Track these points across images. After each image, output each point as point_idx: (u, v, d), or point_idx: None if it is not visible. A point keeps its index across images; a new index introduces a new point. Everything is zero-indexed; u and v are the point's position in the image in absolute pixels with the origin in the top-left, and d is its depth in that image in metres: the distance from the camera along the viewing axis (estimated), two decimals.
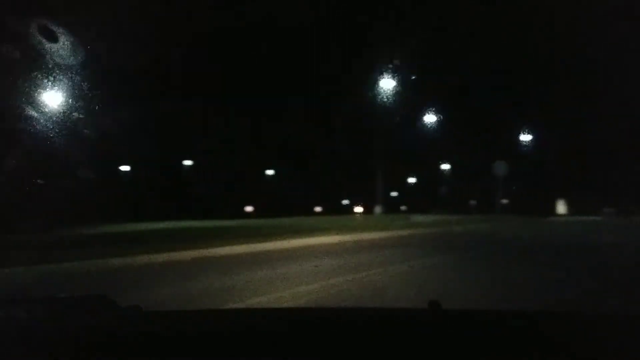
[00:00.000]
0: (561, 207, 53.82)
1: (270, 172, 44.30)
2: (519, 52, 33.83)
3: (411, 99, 26.38)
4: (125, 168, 33.47)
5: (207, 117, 30.82)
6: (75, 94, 12.54)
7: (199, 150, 35.20)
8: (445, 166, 44.42)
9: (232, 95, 31.63)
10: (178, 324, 1.77)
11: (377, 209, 25.25)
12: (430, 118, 23.46)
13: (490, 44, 31.77)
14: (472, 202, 48.68)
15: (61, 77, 11.61)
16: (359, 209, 42.20)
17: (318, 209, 44.76)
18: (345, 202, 49.93)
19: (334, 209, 39.19)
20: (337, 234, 15.93)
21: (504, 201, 52.50)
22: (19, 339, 1.47)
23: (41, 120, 11.82)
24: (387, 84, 18.93)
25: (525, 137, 33.71)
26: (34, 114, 11.56)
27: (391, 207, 46.20)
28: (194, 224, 20.01)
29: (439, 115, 25.63)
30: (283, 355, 1.37)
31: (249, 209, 40.51)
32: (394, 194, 57.60)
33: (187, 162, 37.84)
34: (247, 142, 36.09)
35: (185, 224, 19.88)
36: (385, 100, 19.74)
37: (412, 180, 52.91)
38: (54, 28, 9.62)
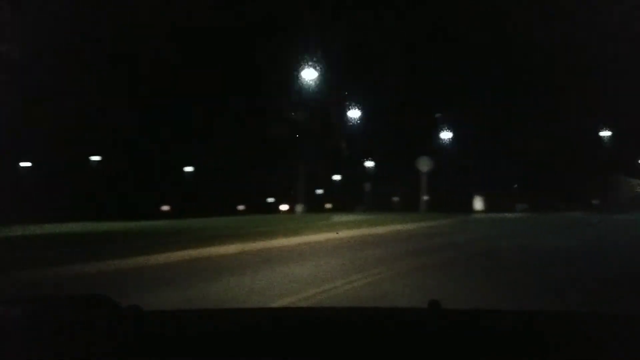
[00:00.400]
0: (478, 204, 55.56)
1: (189, 168, 42.12)
2: (447, 50, 34.25)
3: (336, 95, 25.76)
4: (25, 164, 30.60)
5: (119, 109, 28.45)
6: None
7: (109, 144, 32.56)
8: (370, 163, 44.52)
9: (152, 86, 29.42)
10: (178, 323, 1.78)
11: (299, 208, 24.16)
12: (354, 114, 22.89)
13: (417, 40, 31.81)
14: (395, 199, 49.00)
15: None
16: (284, 207, 41.13)
17: (241, 207, 43.26)
18: (270, 200, 48.75)
19: (259, 208, 37.79)
20: (239, 241, 12.60)
21: (426, 198, 54.01)
22: (18, 338, 1.47)
23: None
24: (309, 74, 17.65)
25: (446, 135, 34.06)
26: None
27: (316, 205, 45.79)
28: (97, 227, 18.08)
29: (363, 110, 25.21)
30: (283, 355, 1.38)
31: (165, 208, 38.28)
32: (319, 191, 57.44)
33: (95, 158, 34.92)
34: (165, 136, 33.91)
35: (87, 226, 17.87)
36: (309, 94, 18.68)
37: (337, 177, 52.59)
38: None
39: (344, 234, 15.15)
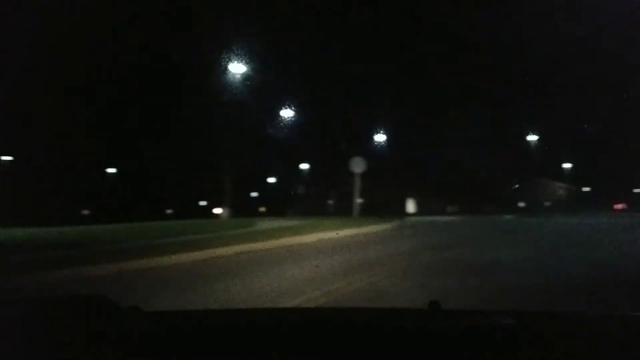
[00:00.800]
0: (411, 206, 56.14)
1: (112, 170, 39.50)
2: (386, 52, 34.00)
3: (266, 94, 24.73)
4: None
5: (34, 107, 26.00)
6: None
7: (24, 144, 29.76)
8: (305, 165, 43.70)
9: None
10: (178, 324, 1.76)
11: (224, 213, 22.68)
12: (287, 113, 21.93)
13: (358, 41, 31.32)
14: (330, 202, 48.41)
15: None
16: (217, 211, 39.50)
17: (169, 211, 41.19)
18: (203, 203, 46.75)
19: (191, 211, 35.90)
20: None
21: (359, 200, 53.90)
22: (18, 339, 1.46)
23: None
24: (237, 68, 16.34)
25: (380, 138, 33.82)
26: None
27: (250, 208, 44.33)
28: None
29: (296, 111, 24.29)
30: (283, 356, 1.38)
31: (85, 212, 35.70)
32: (254, 194, 55.89)
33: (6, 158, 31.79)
34: (86, 136, 31.48)
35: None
36: (235, 93, 17.43)
37: (272, 180, 51.27)
38: None
39: (262, 244, 11.96)
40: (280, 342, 1.47)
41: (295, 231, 14.16)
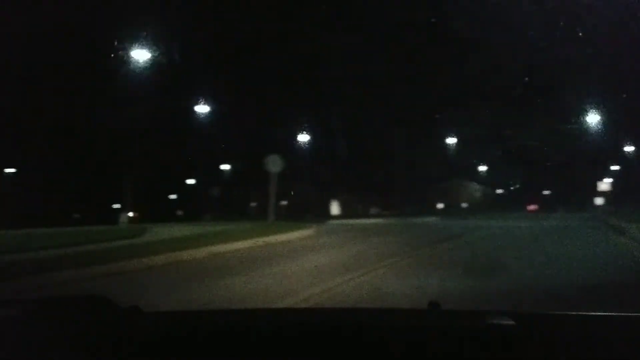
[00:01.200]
0: (335, 208, 55.70)
1: (10, 170, 35.53)
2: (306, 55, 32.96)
3: (182, 88, 22.85)
4: None
5: None
6: None
7: None
8: (226, 166, 41.81)
9: None
10: (177, 324, 1.77)
11: (123, 218, 20.39)
12: (203, 109, 20.07)
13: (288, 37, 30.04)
14: (253, 205, 46.68)
15: None
16: (129, 215, 36.57)
17: (77, 215, 37.77)
18: (117, 206, 43.37)
19: (104, 215, 32.73)
20: None
21: (284, 203, 52.61)
22: (18, 339, 1.46)
23: None
24: (140, 55, 14.25)
25: (303, 138, 32.69)
26: None
27: (168, 211, 41.61)
28: None
29: (215, 107, 22.58)
30: (283, 356, 1.38)
31: None
32: (172, 196, 52.91)
33: None
34: None
35: None
36: (141, 82, 15.39)
37: (192, 181, 48.66)
38: None
39: (135, 263, 8.60)
40: (280, 342, 1.47)
41: (187, 243, 10.75)
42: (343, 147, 41.72)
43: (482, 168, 57.88)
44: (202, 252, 10.12)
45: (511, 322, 1.51)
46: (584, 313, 1.81)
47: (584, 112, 23.12)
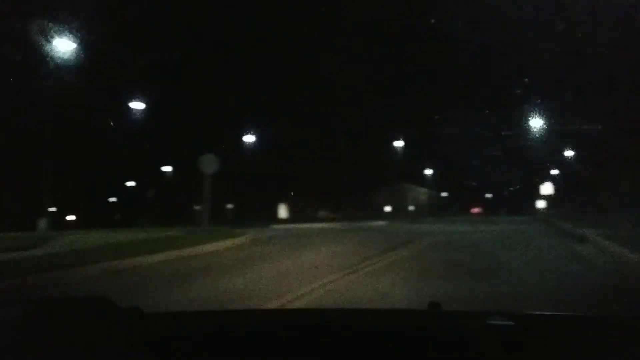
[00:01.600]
0: (283, 212, 54.57)
1: None
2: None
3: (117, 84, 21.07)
4: None
5: None
6: None
7: None
8: (167, 168, 39.87)
9: None
10: (178, 325, 1.77)
11: (41, 223, 18.40)
12: (137, 105, 18.42)
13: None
14: (197, 208, 44.78)
15: None
16: (70, 218, 34.02)
17: None
18: (52, 209, 40.34)
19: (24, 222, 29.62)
20: None
21: (229, 206, 50.95)
22: (18, 340, 1.45)
23: None
24: (64, 45, 12.52)
25: (249, 138, 31.45)
26: None
27: (106, 215, 38.98)
28: None
29: (154, 105, 21.04)
30: (283, 356, 1.39)
31: None
32: (113, 199, 50.07)
33: None
34: None
35: None
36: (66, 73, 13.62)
37: (132, 184, 46.14)
38: None
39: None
40: (280, 342, 1.47)
41: (77, 258, 8.56)
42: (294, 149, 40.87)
43: (428, 172, 58.41)
44: (85, 270, 7.74)
45: (511, 323, 1.51)
46: (583, 315, 1.83)
47: (526, 117, 22.83)
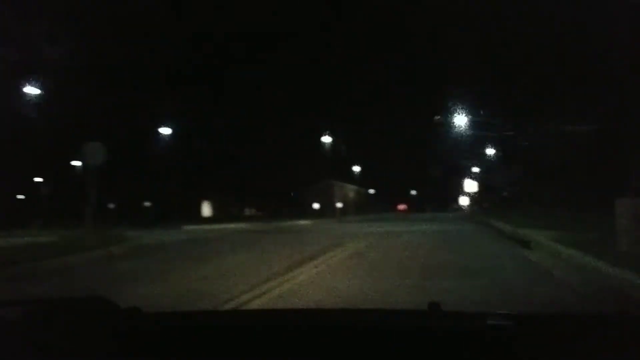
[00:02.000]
0: (206, 210, 51.94)
1: None
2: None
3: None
4: None
5: None
6: None
7: None
8: (77, 162, 36.34)
9: None
10: (178, 325, 1.71)
11: None
12: (33, 90, 15.55)
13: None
14: (111, 207, 41.43)
15: None
16: None
17: None
18: None
19: None
20: None
21: (147, 204, 47.63)
22: (17, 340, 1.44)
23: None
24: None
25: (165, 131, 29.03)
26: None
27: (18, 216, 34.66)
28: None
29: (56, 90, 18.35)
30: (283, 356, 1.38)
31: None
32: (20, 196, 45.41)
33: None
34: None
35: None
36: None
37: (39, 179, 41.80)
38: None
39: None
40: (280, 342, 1.46)
41: None
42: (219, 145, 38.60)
43: (356, 168, 57.88)
44: None
45: (511, 323, 1.51)
46: (583, 314, 1.96)
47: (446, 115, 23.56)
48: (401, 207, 61.12)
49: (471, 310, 2.56)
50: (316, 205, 56.85)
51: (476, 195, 39.37)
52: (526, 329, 1.49)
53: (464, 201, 42.82)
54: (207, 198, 51.68)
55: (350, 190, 62.01)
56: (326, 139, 40.35)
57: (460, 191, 40.64)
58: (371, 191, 70.92)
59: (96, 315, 1.66)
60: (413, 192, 77.59)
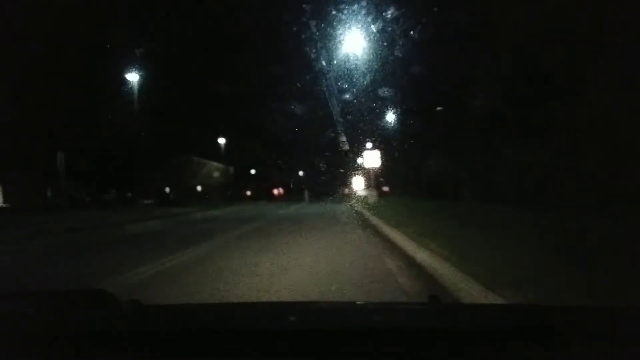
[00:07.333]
0: None
1: None
2: None
3: None
4: None
5: None
6: None
7: None
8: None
9: None
10: (178, 318, 1.65)
11: None
12: None
13: None
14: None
15: None
16: None
17: None
18: None
19: None
20: None
21: None
22: (18, 333, 1.40)
23: None
24: None
25: None
26: None
27: None
28: None
29: None
30: (285, 349, 1.33)
31: None
32: None
33: None
34: None
35: None
36: None
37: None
38: None
39: None
40: (281, 335, 1.40)
41: None
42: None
43: (222, 140, 42.26)
44: None
45: (512, 315, 1.47)
46: (588, 307, 1.78)
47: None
48: (276, 191, 46.49)
49: (471, 304, 2.48)
50: (167, 189, 40.46)
51: (378, 171, 25.47)
52: (527, 321, 1.44)
53: (358, 183, 28.31)
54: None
55: (215, 169, 45.75)
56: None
57: (357, 169, 26.15)
58: (252, 171, 55.39)
59: (96, 308, 1.61)
60: (301, 173, 62.79)
